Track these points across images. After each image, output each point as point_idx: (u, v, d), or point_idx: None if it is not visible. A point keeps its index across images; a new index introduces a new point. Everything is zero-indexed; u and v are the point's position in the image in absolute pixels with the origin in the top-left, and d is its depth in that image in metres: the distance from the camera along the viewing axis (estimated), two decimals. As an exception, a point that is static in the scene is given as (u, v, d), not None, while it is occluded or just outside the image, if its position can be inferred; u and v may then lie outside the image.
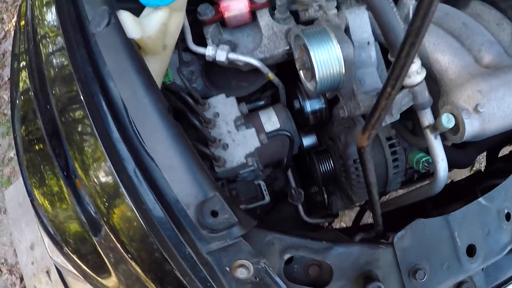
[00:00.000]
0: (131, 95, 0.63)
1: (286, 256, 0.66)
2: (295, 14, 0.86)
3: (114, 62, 0.64)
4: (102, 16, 0.67)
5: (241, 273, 0.63)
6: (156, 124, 0.62)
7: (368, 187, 0.63)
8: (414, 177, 0.95)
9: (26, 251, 1.71)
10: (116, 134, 0.63)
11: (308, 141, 0.90)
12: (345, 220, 1.85)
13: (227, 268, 0.63)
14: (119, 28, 0.66)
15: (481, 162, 2.04)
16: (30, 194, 0.75)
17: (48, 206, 0.74)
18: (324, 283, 0.68)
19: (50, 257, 0.70)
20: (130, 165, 0.63)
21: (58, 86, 0.68)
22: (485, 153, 1.27)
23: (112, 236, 0.67)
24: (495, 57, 0.79)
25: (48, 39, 0.73)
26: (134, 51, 0.65)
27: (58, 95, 0.68)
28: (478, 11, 0.84)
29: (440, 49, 0.78)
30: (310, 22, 0.84)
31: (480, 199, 0.73)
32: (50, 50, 0.71)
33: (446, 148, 0.73)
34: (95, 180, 0.66)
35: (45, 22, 0.75)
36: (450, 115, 0.72)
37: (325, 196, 0.94)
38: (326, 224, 0.99)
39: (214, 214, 0.61)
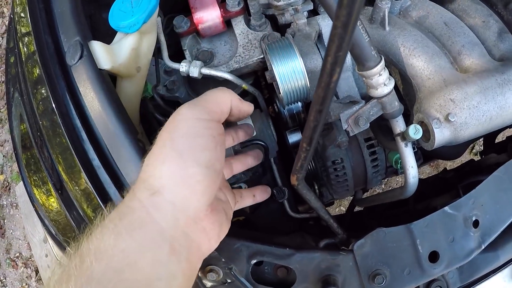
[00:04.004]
0: (104, 127, 0.72)
1: (253, 261, 0.76)
2: (273, 19, 0.88)
3: (88, 95, 0.73)
4: (75, 49, 0.74)
5: (211, 277, 0.75)
6: (126, 152, 0.71)
7: (316, 211, 0.70)
8: (398, 172, 0.98)
9: (39, 244, 1.81)
10: (97, 162, 0.73)
11: (293, 138, 0.95)
12: (344, 204, 1.92)
13: (199, 274, 0.75)
14: (91, 61, 0.74)
15: (481, 145, 1.96)
16: (30, 194, 0.87)
17: (49, 206, 0.87)
18: (291, 284, 0.78)
19: (57, 259, 0.84)
20: (111, 188, 0.74)
21: (42, 118, 0.78)
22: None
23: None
24: (476, 60, 0.77)
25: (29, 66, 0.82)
26: (106, 83, 0.73)
27: (44, 124, 0.78)
28: (465, 6, 0.81)
29: (415, 54, 0.78)
30: (287, 25, 0.86)
31: (446, 208, 0.77)
32: (33, 81, 0.81)
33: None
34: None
35: (25, 49, 0.84)
36: (418, 126, 0.74)
37: (316, 187, 1.01)
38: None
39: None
